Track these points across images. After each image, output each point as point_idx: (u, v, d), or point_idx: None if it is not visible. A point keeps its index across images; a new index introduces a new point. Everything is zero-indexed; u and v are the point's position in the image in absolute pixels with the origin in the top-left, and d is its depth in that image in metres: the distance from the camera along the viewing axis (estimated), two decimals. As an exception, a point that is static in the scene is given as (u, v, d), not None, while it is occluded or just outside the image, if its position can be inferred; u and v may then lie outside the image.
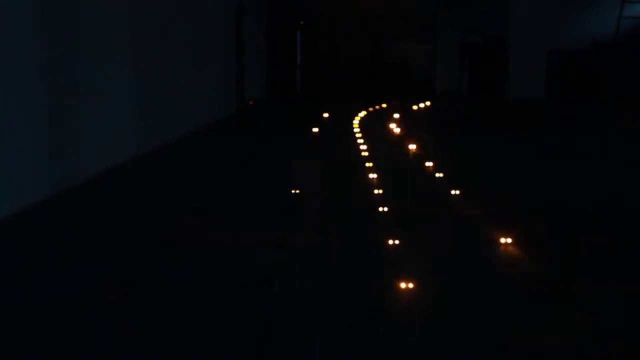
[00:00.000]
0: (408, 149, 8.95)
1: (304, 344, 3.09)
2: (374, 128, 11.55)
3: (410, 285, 3.75)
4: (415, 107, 15.46)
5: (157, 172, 7.44)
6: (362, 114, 13.93)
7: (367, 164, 7.62)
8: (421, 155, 8.38)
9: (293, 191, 6.20)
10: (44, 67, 5.84)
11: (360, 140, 9.72)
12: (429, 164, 7.55)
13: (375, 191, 6.20)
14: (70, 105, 6.37)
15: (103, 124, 7.12)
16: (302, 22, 20.95)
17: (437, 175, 6.98)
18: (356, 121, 12.51)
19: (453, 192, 6.12)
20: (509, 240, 4.60)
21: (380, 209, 5.47)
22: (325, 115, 13.64)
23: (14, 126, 5.37)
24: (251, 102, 16.08)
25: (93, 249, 4.53)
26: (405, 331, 3.24)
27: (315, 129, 11.18)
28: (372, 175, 6.89)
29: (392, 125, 11.66)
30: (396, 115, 13.33)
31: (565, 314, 3.48)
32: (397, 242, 4.56)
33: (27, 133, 5.57)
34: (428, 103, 16.30)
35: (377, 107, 15.57)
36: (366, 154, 8.50)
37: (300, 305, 3.54)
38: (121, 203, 5.90)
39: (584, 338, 3.21)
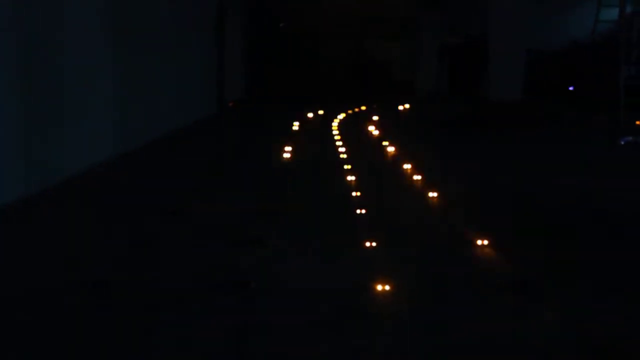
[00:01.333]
0: (385, 151, 9.01)
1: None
2: (353, 131, 11.57)
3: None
4: (399, 108, 15.52)
5: (132, 173, 7.44)
6: (342, 116, 13.96)
7: (346, 166, 7.66)
8: (397, 156, 8.43)
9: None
10: (19, 65, 5.82)
11: (339, 143, 9.75)
12: (407, 166, 7.60)
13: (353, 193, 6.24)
14: (48, 106, 6.35)
15: (81, 125, 7.10)
16: (282, 24, 20.96)
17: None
18: (335, 123, 12.53)
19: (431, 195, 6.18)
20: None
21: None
22: (309, 115, 13.67)
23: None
24: (232, 104, 16.07)
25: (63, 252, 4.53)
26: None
27: (295, 128, 11.20)
28: (350, 178, 6.93)
29: (371, 128, 11.71)
30: (375, 118, 13.36)
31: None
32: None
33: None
34: (407, 105, 16.33)
35: (357, 109, 15.60)
36: (344, 156, 8.53)
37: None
38: (93, 206, 5.89)
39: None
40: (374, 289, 3.75)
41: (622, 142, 10.20)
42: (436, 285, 3.92)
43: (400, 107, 15.82)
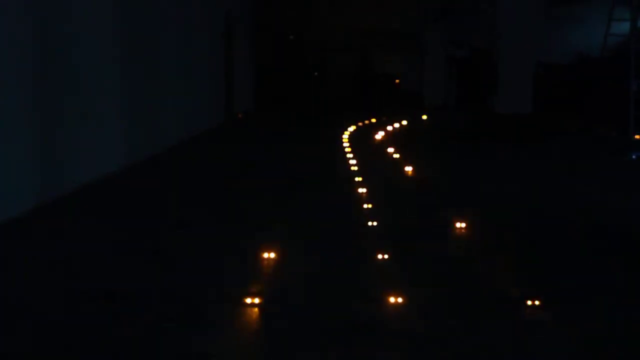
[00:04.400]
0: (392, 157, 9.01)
1: None
2: (364, 144, 11.55)
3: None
4: (403, 122, 15.50)
5: (141, 183, 7.44)
6: (352, 128, 13.95)
7: (357, 178, 7.65)
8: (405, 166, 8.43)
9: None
10: (30, 73, 5.84)
11: (350, 156, 9.74)
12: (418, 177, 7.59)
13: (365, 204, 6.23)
14: (59, 116, 6.36)
15: (91, 134, 7.09)
16: (291, 37, 21.00)
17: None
18: (346, 136, 12.53)
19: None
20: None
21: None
22: (319, 128, 13.67)
23: None
24: (240, 115, 16.09)
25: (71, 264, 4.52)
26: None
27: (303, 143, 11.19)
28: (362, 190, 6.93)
29: (380, 139, 11.70)
30: (383, 132, 13.34)
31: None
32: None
33: (11, 143, 5.56)
34: (415, 118, 16.32)
35: (367, 121, 15.61)
36: (356, 168, 8.52)
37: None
38: (106, 214, 5.89)
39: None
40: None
41: (634, 157, 10.16)
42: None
43: (405, 122, 15.74)
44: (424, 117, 16.73)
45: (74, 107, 6.67)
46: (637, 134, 12.25)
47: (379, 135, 12.58)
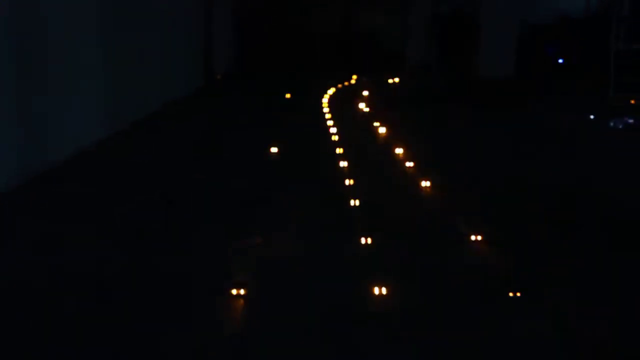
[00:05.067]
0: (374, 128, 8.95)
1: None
2: (343, 108, 11.45)
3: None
4: (389, 82, 15.36)
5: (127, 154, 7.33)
6: (332, 90, 13.82)
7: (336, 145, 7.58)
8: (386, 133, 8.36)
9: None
10: (10, 45, 5.68)
11: (330, 122, 9.65)
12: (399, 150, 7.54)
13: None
14: (34, 87, 6.21)
15: (68, 105, 6.94)
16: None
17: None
18: (325, 99, 12.41)
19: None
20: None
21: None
22: (289, 94, 13.52)
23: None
24: (219, 77, 15.88)
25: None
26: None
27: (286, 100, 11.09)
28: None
29: (361, 104, 11.61)
30: (365, 93, 13.24)
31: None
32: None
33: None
34: (396, 79, 16.19)
35: (347, 82, 15.46)
36: (336, 137, 8.44)
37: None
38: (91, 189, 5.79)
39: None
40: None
41: (612, 124, 10.11)
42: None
43: (390, 81, 15.63)
44: (403, 77, 16.58)
45: (54, 78, 6.51)
46: (618, 97, 12.22)
47: (360, 99, 12.46)
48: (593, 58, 14.07)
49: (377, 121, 9.51)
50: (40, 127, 6.31)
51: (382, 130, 8.98)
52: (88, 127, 7.58)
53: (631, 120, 9.90)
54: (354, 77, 16.05)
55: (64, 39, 6.89)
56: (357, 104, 11.71)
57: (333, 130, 8.92)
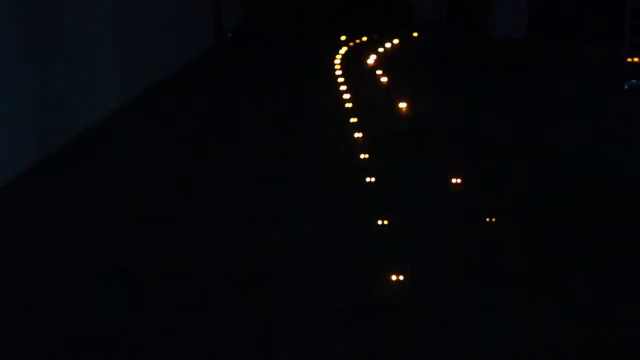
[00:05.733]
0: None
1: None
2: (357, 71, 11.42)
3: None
4: (395, 41, 15.24)
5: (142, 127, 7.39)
6: (343, 50, 13.75)
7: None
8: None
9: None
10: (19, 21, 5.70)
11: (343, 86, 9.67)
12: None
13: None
14: (45, 64, 6.22)
15: (79, 79, 6.92)
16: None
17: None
18: (338, 61, 12.38)
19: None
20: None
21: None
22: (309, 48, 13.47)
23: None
24: (230, 34, 15.80)
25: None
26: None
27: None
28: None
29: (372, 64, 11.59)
30: (373, 57, 13.15)
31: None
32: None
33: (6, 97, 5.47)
34: (407, 38, 16.03)
35: (358, 41, 15.37)
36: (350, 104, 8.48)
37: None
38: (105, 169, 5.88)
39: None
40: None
41: (626, 87, 10.08)
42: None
43: (396, 41, 15.44)
44: (415, 35, 16.41)
45: (63, 49, 6.53)
46: (631, 57, 12.11)
47: (371, 60, 12.42)
48: (606, 15, 13.93)
49: (388, 94, 9.53)
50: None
51: (397, 106, 9.00)
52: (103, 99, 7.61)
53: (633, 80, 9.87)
54: (364, 37, 15.92)
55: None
56: (368, 70, 11.69)
57: (347, 104, 8.94)
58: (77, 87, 6.78)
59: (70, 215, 4.77)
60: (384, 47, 14.18)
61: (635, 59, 12.00)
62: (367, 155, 6.16)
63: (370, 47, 14.02)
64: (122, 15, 8.15)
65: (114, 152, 6.43)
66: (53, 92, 6.22)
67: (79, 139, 6.56)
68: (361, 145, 6.53)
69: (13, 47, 5.52)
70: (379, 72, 11.00)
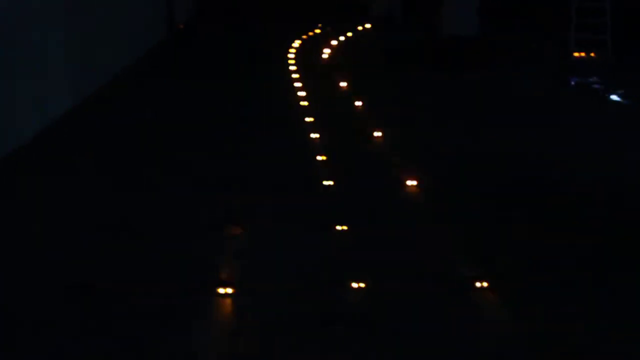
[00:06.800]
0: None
1: None
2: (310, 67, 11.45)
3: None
4: (348, 35, 15.29)
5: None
6: (297, 43, 13.76)
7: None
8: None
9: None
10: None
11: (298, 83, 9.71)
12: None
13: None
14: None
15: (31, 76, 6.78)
16: None
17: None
18: (292, 55, 12.39)
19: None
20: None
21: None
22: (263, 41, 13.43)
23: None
24: (181, 26, 15.64)
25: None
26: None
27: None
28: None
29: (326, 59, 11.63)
30: (327, 49, 13.20)
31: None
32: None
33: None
34: (355, 32, 16.03)
35: (311, 33, 15.38)
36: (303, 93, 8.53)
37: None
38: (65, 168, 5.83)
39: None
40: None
41: (572, 83, 10.30)
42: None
43: (350, 34, 15.46)
44: (366, 32, 16.44)
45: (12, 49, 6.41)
46: (576, 52, 12.38)
47: (325, 54, 12.46)
48: (553, 12, 14.18)
49: (341, 89, 9.60)
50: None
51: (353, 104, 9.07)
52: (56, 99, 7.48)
53: (594, 82, 10.10)
54: (317, 29, 15.93)
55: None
56: (320, 65, 11.73)
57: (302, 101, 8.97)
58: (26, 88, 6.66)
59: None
60: (337, 40, 14.22)
61: (582, 54, 12.32)
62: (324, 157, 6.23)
63: (324, 41, 14.06)
64: (74, 12, 8.01)
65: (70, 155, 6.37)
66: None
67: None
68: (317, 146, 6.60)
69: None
70: (330, 68, 11.05)
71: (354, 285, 3.89)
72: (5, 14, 6.14)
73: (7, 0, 6.21)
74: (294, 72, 10.49)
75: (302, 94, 8.92)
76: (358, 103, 8.46)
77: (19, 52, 6.41)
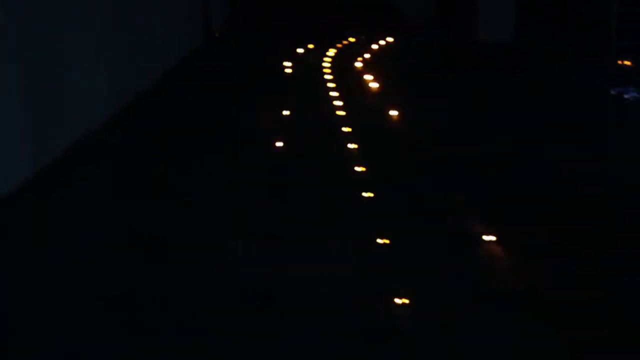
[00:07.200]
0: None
1: None
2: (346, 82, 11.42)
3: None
4: (382, 43, 15.24)
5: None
6: (332, 52, 13.74)
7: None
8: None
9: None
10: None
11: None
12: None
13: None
14: (45, 72, 6.18)
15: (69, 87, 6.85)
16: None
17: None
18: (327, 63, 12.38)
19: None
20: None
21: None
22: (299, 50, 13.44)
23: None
24: (217, 34, 15.74)
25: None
26: None
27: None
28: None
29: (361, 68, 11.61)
30: (362, 57, 13.16)
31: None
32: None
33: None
34: (392, 39, 15.97)
35: (346, 42, 15.36)
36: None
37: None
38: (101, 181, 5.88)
39: None
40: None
41: (613, 92, 10.08)
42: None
43: (383, 42, 15.39)
44: (400, 38, 16.35)
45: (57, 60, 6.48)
46: (620, 60, 12.14)
47: (359, 63, 12.44)
48: (594, 19, 13.99)
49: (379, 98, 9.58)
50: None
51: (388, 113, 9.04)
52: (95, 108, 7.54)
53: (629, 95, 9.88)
54: (353, 35, 15.88)
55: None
56: (356, 73, 11.71)
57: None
58: (70, 96, 6.74)
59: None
60: (371, 48, 14.19)
61: (627, 62, 12.07)
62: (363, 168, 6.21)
63: (359, 49, 14.03)
64: (113, 19, 8.09)
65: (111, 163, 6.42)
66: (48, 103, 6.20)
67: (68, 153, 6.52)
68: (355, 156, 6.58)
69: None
70: (367, 76, 11.03)
71: (397, 300, 3.86)
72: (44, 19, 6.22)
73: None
74: (330, 80, 10.46)
75: (338, 103, 8.90)
76: (394, 113, 8.43)
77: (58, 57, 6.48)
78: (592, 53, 12.65)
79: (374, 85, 10.31)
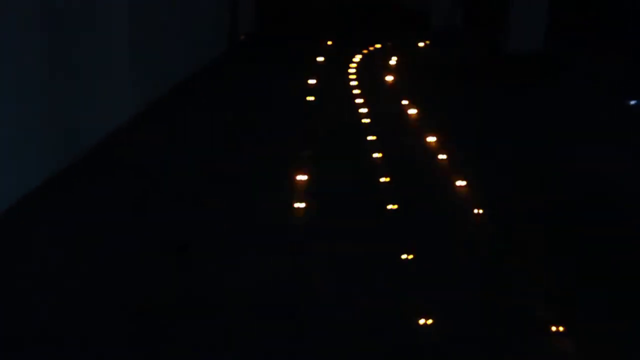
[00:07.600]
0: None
1: None
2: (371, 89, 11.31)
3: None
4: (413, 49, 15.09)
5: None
6: (357, 58, 13.62)
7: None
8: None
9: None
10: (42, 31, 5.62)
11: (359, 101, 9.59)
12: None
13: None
14: (71, 69, 6.14)
15: (98, 84, 6.83)
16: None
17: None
18: (352, 70, 12.25)
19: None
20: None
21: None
22: (321, 59, 13.34)
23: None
24: (242, 37, 15.68)
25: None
26: None
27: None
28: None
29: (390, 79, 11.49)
30: (391, 62, 13.04)
31: None
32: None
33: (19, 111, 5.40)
34: (420, 46, 15.84)
35: (372, 47, 15.24)
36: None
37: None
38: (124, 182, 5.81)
39: None
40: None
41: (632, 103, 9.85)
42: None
43: (411, 48, 15.24)
44: (426, 43, 16.21)
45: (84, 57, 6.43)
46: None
47: (386, 71, 12.30)
48: (628, 26, 13.77)
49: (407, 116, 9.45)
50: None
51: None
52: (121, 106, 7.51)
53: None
54: (378, 41, 15.76)
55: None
56: (384, 83, 11.59)
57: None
58: (92, 94, 6.70)
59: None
60: (398, 55, 14.05)
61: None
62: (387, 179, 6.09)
63: (384, 55, 13.90)
64: (139, 20, 8.04)
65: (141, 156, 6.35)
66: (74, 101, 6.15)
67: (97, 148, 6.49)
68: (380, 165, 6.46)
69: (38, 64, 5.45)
70: (395, 85, 10.89)
71: (421, 321, 3.73)
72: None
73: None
74: (355, 87, 10.37)
75: (364, 110, 8.79)
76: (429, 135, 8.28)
77: (84, 55, 6.44)
78: (624, 62, 12.40)
79: (400, 93, 10.18)
